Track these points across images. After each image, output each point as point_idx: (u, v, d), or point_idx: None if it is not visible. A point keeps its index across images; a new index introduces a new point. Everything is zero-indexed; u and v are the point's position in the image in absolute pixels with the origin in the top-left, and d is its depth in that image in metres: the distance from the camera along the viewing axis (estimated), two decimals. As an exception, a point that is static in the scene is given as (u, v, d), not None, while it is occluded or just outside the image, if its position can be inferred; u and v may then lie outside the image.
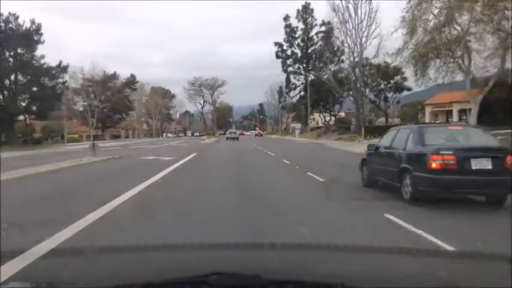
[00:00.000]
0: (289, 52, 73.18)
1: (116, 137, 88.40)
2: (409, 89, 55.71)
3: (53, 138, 66.37)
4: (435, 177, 7.64)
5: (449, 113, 61.48)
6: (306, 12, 71.17)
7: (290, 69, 73.91)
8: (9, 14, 47.77)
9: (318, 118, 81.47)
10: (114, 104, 79.41)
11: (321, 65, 69.33)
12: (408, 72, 44.57)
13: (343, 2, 48.86)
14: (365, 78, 52.45)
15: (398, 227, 6.26)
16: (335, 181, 11.41)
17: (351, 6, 48.31)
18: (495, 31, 33.18)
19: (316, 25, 71.50)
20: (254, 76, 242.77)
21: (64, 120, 55.02)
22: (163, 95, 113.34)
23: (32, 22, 48.20)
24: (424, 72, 42.41)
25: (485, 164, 7.69)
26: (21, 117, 54.68)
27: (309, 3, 70.76)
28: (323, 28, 69.40)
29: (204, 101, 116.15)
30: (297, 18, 71.55)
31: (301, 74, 73.43)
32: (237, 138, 59.03)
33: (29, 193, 10.57)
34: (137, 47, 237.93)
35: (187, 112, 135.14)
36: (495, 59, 35.45)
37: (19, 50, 49.06)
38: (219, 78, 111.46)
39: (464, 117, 56.17)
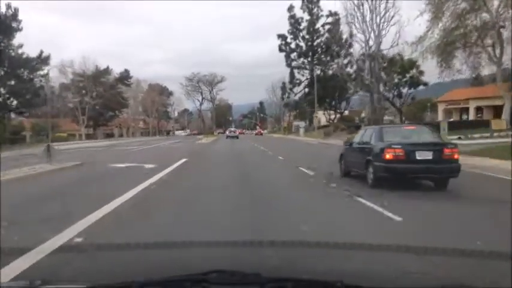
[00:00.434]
0: (293, 45, 68.26)
1: (109, 135, 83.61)
2: (425, 84, 50.79)
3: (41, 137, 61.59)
4: (389, 166, 9.77)
5: (463, 111, 57.04)
6: (311, 2, 66.09)
7: (294, 63, 68.84)
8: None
9: (321, 116, 76.46)
10: (106, 100, 74.64)
11: (328, 58, 64.47)
12: (428, 64, 39.57)
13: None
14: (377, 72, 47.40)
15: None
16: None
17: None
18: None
19: (322, 16, 66.62)
20: (254, 74, 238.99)
21: (48, 118, 50.16)
22: (161, 92, 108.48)
23: (8, 7, 42.80)
24: (449, 63, 37.75)
25: (427, 155, 9.82)
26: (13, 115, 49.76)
27: (315, -7, 65.73)
28: (330, 19, 64.55)
29: (203, 98, 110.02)
30: (301, 8, 66.61)
31: (306, 68, 68.47)
32: (237, 137, 59.38)
33: None
34: (136, 46, 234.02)
35: (186, 110, 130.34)
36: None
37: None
38: (218, 74, 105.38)
39: (479, 115, 51.91)
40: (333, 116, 71.60)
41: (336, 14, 61.27)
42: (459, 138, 26.82)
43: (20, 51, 44.93)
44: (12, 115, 51.93)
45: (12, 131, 52.60)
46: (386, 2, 42.13)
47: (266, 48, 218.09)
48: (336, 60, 59.08)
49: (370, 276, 1.66)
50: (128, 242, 2.92)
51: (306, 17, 67.07)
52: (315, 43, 67.20)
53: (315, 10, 66.28)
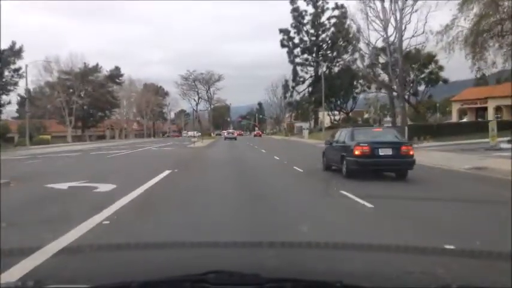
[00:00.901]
0: (296, 40, 62.97)
1: (101, 137, 78.51)
2: (445, 81, 45.93)
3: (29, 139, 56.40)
4: (357, 160, 11.84)
5: (480, 111, 52.42)
6: (316, -7, 61.02)
7: (297, 60, 63.68)
8: None
9: (325, 117, 71.47)
10: (95, 100, 69.55)
11: (334, 54, 59.46)
12: (453, 57, 34.33)
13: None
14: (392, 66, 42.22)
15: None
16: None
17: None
18: None
19: (328, 9, 61.48)
20: (253, 75, 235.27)
21: (26, 119, 45.15)
22: (156, 92, 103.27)
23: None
24: (481, 56, 32.88)
25: (388, 151, 11.97)
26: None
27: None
28: (336, 12, 59.58)
29: (199, 98, 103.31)
30: (305, 0, 61.41)
31: (310, 65, 63.32)
32: (235, 138, 60.54)
33: None
34: (135, 46, 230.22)
35: (182, 111, 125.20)
36: None
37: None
38: (215, 73, 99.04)
39: (498, 116, 47.40)
40: (337, 117, 66.78)
41: (342, 6, 56.44)
42: (509, 141, 22.06)
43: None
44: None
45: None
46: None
47: (266, 48, 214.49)
48: (345, 56, 54.04)
49: (370, 276, 1.67)
50: (127, 242, 2.85)
51: (311, 9, 62.16)
52: (320, 38, 62.07)
53: (320, 2, 61.25)
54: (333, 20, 60.36)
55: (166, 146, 39.46)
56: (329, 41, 61.09)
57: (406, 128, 30.01)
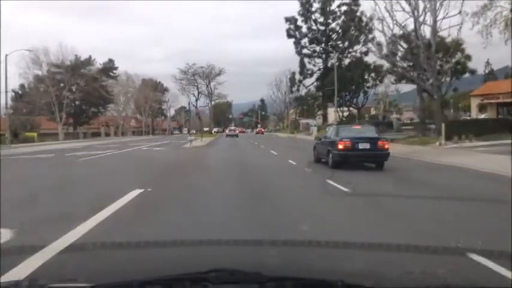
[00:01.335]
0: (304, 29, 58.06)
1: (95, 135, 73.97)
2: (472, 72, 41.08)
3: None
4: (341, 153, 13.86)
5: (501, 106, 47.83)
6: (325, -22, 56.10)
7: (305, 51, 58.80)
8: None
9: (332, 113, 66.61)
10: (88, 94, 64.90)
11: (345, 44, 54.64)
12: (492, 43, 29.57)
13: None
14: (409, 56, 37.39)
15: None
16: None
17: None
18: None
19: (338, -5, 56.46)
20: (255, 72, 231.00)
21: (7, 115, 40.74)
22: (155, 87, 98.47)
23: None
24: (528, 40, 28.18)
25: (366, 145, 13.89)
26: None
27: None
28: (347, -1, 54.71)
29: (199, 93, 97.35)
30: (314, -14, 56.45)
31: (318, 57, 58.43)
32: (236, 136, 60.37)
33: None
34: (137, 44, 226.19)
35: (183, 107, 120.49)
36: None
37: None
38: (216, 66, 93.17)
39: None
40: (346, 113, 62.09)
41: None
42: None
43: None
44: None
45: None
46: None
47: (268, 45, 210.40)
48: (357, 46, 49.14)
49: (371, 275, 1.65)
50: (128, 241, 2.84)
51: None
52: (329, 27, 57.18)
53: (330, -12, 56.29)
54: (344, 8, 55.49)
55: (160, 146, 34.74)
56: (339, 30, 56.20)
57: (443, 125, 25.31)
